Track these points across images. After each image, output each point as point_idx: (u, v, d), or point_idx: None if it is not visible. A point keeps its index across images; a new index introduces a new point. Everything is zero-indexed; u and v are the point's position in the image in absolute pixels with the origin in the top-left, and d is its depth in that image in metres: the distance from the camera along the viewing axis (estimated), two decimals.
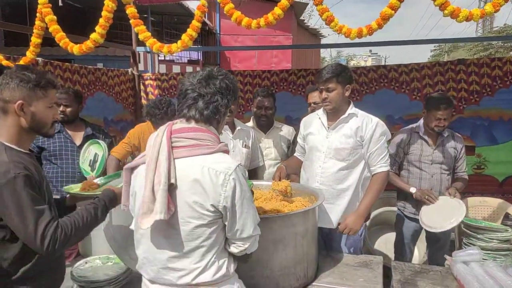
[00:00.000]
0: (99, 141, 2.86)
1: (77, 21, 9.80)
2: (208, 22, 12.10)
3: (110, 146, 3.08)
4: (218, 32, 12.88)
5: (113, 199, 1.64)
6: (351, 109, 2.38)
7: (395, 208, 3.75)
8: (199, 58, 12.79)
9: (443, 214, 2.60)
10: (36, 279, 1.48)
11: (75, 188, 2.22)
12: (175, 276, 1.40)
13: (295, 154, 2.74)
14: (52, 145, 2.82)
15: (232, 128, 2.91)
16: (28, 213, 1.37)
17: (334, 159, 2.37)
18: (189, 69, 11.73)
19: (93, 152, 2.84)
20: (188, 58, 12.77)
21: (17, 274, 1.44)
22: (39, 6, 2.51)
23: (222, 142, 1.44)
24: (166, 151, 1.34)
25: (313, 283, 2.02)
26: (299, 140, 2.66)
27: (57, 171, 2.82)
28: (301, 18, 14.93)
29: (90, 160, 2.83)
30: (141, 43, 5.49)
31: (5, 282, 1.44)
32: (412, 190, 2.81)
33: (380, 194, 2.39)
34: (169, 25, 12.05)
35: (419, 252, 3.55)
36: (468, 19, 2.03)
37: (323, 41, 19.00)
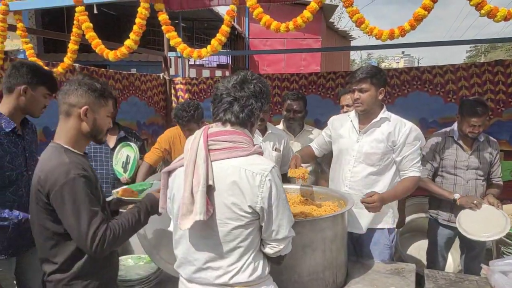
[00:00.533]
0: (131, 143, 2.95)
1: (112, 28, 10.17)
2: (237, 26, 12.22)
3: (141, 148, 3.17)
4: (247, 36, 12.98)
5: (154, 204, 1.68)
6: (384, 113, 2.32)
7: (425, 214, 3.64)
8: (228, 62, 12.92)
9: (485, 223, 2.49)
10: (90, 276, 1.54)
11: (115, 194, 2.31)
12: (213, 275, 1.43)
13: (311, 145, 2.70)
14: (87, 148, 2.92)
15: (263, 131, 2.92)
16: (84, 213, 1.44)
17: (364, 163, 2.32)
18: (218, 73, 11.88)
19: (125, 154, 2.93)
20: (217, 63, 12.93)
21: (72, 270, 1.51)
22: (76, 14, 2.62)
23: (256, 144, 1.47)
24: (204, 153, 1.38)
25: None
26: (323, 134, 2.63)
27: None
28: (331, 20, 14.79)
29: (123, 162, 2.92)
30: (172, 49, 5.64)
31: (61, 278, 1.51)
32: (456, 196, 2.68)
33: (407, 194, 2.34)
34: (199, 30, 12.27)
35: (453, 261, 3.42)
36: (506, 18, 1.94)
37: (353, 43, 18.76)
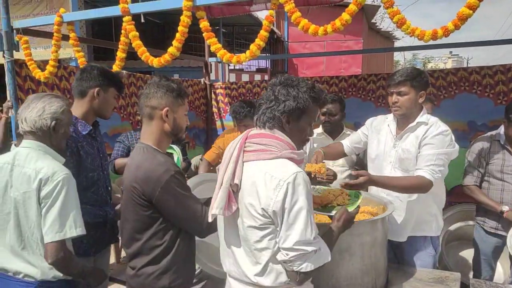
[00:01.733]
0: (173, 145, 3.07)
1: (157, 36, 10.58)
2: (276, 30, 12.27)
3: (183, 151, 3.32)
4: (286, 39, 13.00)
5: None
6: (421, 117, 2.21)
7: (473, 222, 3.46)
8: (267, 66, 13.01)
9: None
10: (176, 271, 1.63)
11: None
12: (240, 272, 1.47)
13: (343, 141, 2.64)
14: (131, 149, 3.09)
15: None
16: (191, 201, 1.59)
17: (400, 169, 2.24)
18: (257, 77, 11.99)
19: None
20: (257, 67, 13.06)
21: (162, 263, 1.60)
22: (123, 24, 2.77)
23: (289, 150, 1.44)
24: (236, 153, 1.43)
25: None
26: (360, 132, 2.56)
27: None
28: (373, 21, 14.46)
29: None
30: (213, 54, 5.78)
31: (152, 272, 1.60)
32: (505, 208, 2.54)
33: (406, 190, 2.14)
34: (239, 35, 12.46)
35: (503, 271, 3.23)
36: None
37: (397, 43, 18.20)
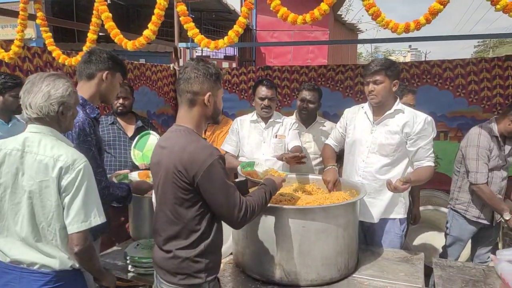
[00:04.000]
0: (152, 132, 3.07)
1: (121, 18, 10.19)
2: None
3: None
4: (254, 28, 12.95)
5: (274, 188, 1.84)
6: (398, 105, 2.37)
7: (432, 207, 3.69)
8: (235, 54, 12.92)
9: None
10: (211, 255, 1.62)
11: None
12: None
13: (328, 142, 2.75)
14: (106, 136, 3.01)
15: (266, 119, 2.96)
16: (231, 189, 1.57)
17: (378, 154, 2.37)
18: (225, 64, 11.88)
19: (145, 142, 3.05)
20: (224, 54, 12.93)
21: (199, 247, 1.58)
22: (95, 4, 2.68)
23: None
24: None
25: (354, 275, 2.06)
26: (338, 128, 2.67)
27: (111, 159, 3.00)
28: (339, 12, 14.70)
29: (143, 150, 3.03)
30: (183, 39, 5.67)
31: (188, 256, 1.58)
32: (506, 216, 2.66)
33: (423, 182, 2.38)
34: (207, 21, 12.25)
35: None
36: None
37: (360, 36, 18.62)
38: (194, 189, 1.54)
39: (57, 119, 1.64)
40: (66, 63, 2.97)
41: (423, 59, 33.69)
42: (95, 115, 2.01)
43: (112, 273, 1.95)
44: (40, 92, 1.59)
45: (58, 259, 1.64)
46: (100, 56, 2.01)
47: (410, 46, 46.16)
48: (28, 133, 1.63)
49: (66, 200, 1.57)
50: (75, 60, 2.89)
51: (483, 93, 4.12)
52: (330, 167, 2.50)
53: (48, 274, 1.63)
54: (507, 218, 2.66)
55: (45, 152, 1.58)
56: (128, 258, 2.13)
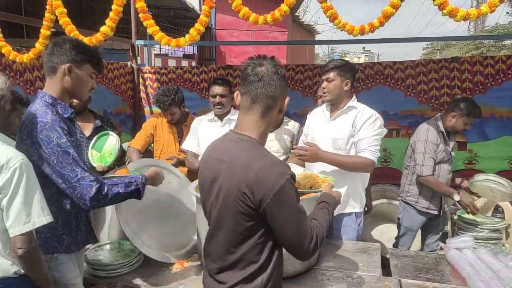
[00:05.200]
0: (111, 132, 2.96)
1: (74, 13, 9.76)
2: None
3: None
4: (213, 26, 12.90)
5: (335, 205, 1.66)
6: (352, 102, 2.49)
7: (387, 200, 3.89)
8: (195, 52, 12.80)
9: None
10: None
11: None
12: None
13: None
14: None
15: (222, 117, 2.99)
16: (302, 215, 1.33)
17: (332, 148, 2.47)
18: (184, 63, 11.74)
19: (104, 143, 2.94)
20: (184, 52, 12.77)
21: (255, 281, 1.37)
22: None
23: None
24: None
25: (315, 267, 2.13)
26: (305, 130, 2.76)
27: None
28: (296, 14, 14.98)
29: (101, 150, 2.92)
30: (140, 37, 5.53)
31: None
32: (456, 198, 2.84)
33: (350, 168, 2.39)
34: (165, 19, 12.03)
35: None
36: (465, 18, 2.13)
37: (317, 37, 19.09)
38: (258, 214, 1.30)
39: None
40: (17, 60, 2.81)
41: (375, 60, 35.17)
42: (68, 114, 1.79)
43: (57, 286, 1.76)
44: None
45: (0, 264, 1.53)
46: (62, 47, 1.75)
47: (363, 48, 47.95)
48: None
49: (4, 202, 1.47)
50: (26, 57, 2.75)
51: (432, 93, 4.39)
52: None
53: None
54: (457, 199, 2.86)
55: None
56: (89, 261, 2.06)
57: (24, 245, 1.48)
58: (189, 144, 3.03)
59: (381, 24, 2.20)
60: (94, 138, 2.93)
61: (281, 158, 3.19)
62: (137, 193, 1.83)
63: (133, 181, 1.82)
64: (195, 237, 2.27)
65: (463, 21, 2.25)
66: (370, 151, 2.36)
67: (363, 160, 2.35)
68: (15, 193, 1.48)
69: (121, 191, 1.75)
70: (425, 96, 4.42)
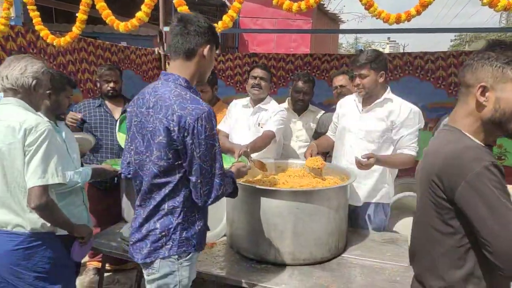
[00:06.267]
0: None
1: None
2: (228, 3, 12.07)
3: None
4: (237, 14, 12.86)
5: None
6: (387, 94, 2.45)
7: (413, 193, 3.83)
8: None
9: None
10: None
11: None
12: None
13: (327, 133, 2.83)
14: (93, 118, 2.98)
15: (255, 103, 2.92)
16: (508, 212, 1.05)
17: (365, 140, 2.46)
18: None
19: None
20: None
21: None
22: None
23: None
24: None
25: (343, 255, 2.16)
26: (334, 119, 2.75)
27: (97, 142, 2.97)
28: (321, 2, 14.75)
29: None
30: (168, 23, 5.57)
31: None
32: None
33: (399, 167, 2.50)
34: (190, 5, 12.07)
35: None
36: (506, 8, 2.08)
37: (342, 26, 18.75)
38: (452, 207, 1.13)
39: (29, 93, 1.79)
40: (54, 43, 2.90)
41: (401, 51, 34.34)
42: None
43: (85, 225, 2.04)
44: (17, 66, 1.76)
45: (28, 219, 1.75)
46: (199, 26, 1.59)
47: (388, 38, 46.81)
48: (0, 105, 1.78)
49: (27, 158, 1.71)
50: (63, 40, 2.83)
51: None
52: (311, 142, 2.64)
53: (21, 235, 1.74)
54: None
55: (13, 118, 1.72)
56: (123, 238, 2.14)
57: (36, 197, 1.69)
58: (222, 123, 3.07)
59: (418, 13, 2.17)
60: (117, 122, 2.99)
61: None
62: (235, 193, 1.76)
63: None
64: (224, 220, 2.32)
65: (494, 13, 2.19)
66: (412, 147, 2.42)
67: (409, 158, 2.40)
68: (36, 152, 1.70)
69: (229, 190, 1.67)
70: (456, 89, 4.32)
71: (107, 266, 3.23)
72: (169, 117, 1.46)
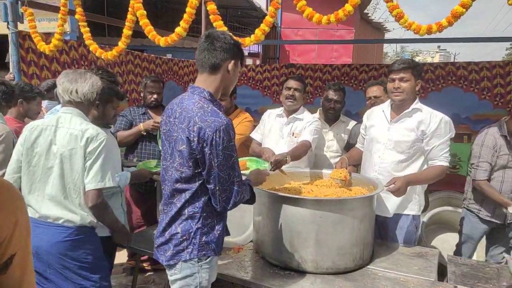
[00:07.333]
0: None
1: (150, 14, 10.46)
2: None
3: None
4: (279, 25, 13.00)
5: None
6: (416, 104, 2.42)
7: (452, 208, 3.69)
8: (259, 51, 13.02)
9: None
10: None
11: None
12: None
13: (356, 145, 2.83)
14: (138, 124, 3.18)
15: (289, 113, 2.98)
16: None
17: (394, 151, 2.44)
18: (249, 61, 12.00)
19: None
20: (249, 51, 13.05)
21: None
22: (131, 2, 2.84)
23: None
24: None
25: (368, 266, 2.14)
26: (362, 130, 2.75)
27: (141, 148, 3.19)
28: (365, 11, 14.55)
29: None
30: None
31: None
32: (510, 210, 2.69)
33: (431, 181, 2.43)
34: (233, 18, 12.40)
35: (477, 252, 3.49)
36: None
37: (387, 35, 18.36)
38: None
39: (90, 105, 2.05)
40: (102, 57, 3.15)
41: (451, 60, 32.88)
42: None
43: (128, 231, 2.27)
44: (86, 82, 2.01)
45: (79, 215, 1.98)
46: (225, 43, 1.66)
47: (439, 46, 44.99)
48: (61, 114, 2.01)
49: (88, 163, 1.94)
50: (110, 54, 3.07)
51: (509, 97, 4.09)
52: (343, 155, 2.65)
53: (70, 228, 1.97)
54: (511, 212, 2.69)
55: (75, 126, 1.96)
56: None
57: (94, 198, 1.94)
58: (255, 132, 3.16)
59: (450, 23, 2.14)
60: (159, 130, 3.17)
61: (338, 158, 3.20)
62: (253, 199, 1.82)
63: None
64: (251, 226, 2.38)
65: None
66: (444, 157, 2.37)
67: (442, 169, 2.37)
68: (97, 159, 1.94)
69: (247, 197, 1.73)
70: (501, 100, 4.13)
71: (146, 266, 3.41)
72: (190, 128, 1.56)
